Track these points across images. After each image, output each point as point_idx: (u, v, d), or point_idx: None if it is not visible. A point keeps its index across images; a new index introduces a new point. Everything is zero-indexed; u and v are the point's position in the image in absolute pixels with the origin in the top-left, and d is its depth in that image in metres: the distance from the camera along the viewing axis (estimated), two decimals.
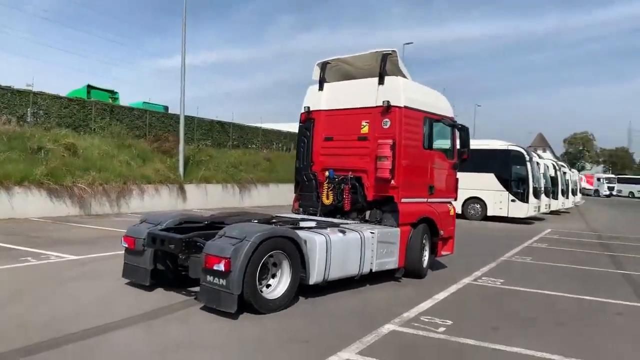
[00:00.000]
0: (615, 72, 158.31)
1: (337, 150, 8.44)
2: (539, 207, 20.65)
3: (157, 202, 17.74)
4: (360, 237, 6.95)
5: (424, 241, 8.20)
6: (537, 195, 20.17)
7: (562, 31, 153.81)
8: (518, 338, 5.29)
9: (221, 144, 24.14)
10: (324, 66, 8.79)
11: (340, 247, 6.58)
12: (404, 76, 8.22)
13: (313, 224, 7.28)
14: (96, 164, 16.27)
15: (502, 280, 8.28)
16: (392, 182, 7.72)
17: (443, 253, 8.86)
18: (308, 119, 8.86)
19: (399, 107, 7.74)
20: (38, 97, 17.53)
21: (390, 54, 8.06)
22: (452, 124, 8.78)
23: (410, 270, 7.95)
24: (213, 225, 6.87)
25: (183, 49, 19.38)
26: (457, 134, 8.86)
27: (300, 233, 6.27)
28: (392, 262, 7.58)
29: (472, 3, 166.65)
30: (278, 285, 5.99)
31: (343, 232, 6.83)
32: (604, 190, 58.91)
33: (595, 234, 17.20)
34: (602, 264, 10.57)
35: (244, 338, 4.99)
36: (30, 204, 13.98)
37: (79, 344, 4.59)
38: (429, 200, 8.44)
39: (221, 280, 5.46)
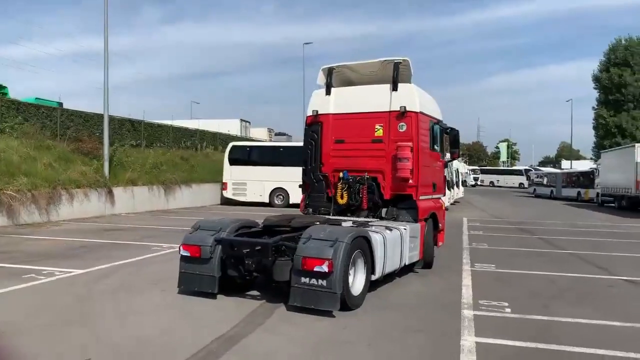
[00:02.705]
0: (467, 73, 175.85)
1: (350, 152, 8.86)
2: (450, 198, 22.84)
3: (87, 208, 16.55)
4: (400, 234, 7.53)
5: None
6: (450, 187, 22.28)
7: (422, 33, 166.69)
8: (570, 311, 6.25)
9: (133, 143, 22.82)
10: (330, 72, 9.15)
11: (390, 243, 7.11)
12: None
13: (350, 223, 7.69)
14: (20, 168, 14.73)
15: (493, 266, 9.38)
16: (411, 181, 8.38)
17: (439, 244, 9.74)
18: (315, 122, 9.15)
19: (415, 112, 8.41)
20: None
21: (401, 62, 8.68)
22: (445, 127, 9.68)
23: (426, 261, 8.71)
24: (270, 229, 6.98)
25: (106, 38, 18.16)
26: (447, 135, 9.79)
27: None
28: (416, 255, 8.26)
29: (339, 4, 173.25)
30: (354, 283, 6.34)
31: (390, 229, 7.35)
32: (471, 181, 65.59)
33: (504, 220, 19.56)
34: (544, 246, 12.33)
35: (363, 332, 5.33)
36: None
37: (233, 353, 4.60)
38: (432, 196, 9.27)
39: (321, 281, 5.71)
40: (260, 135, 41.95)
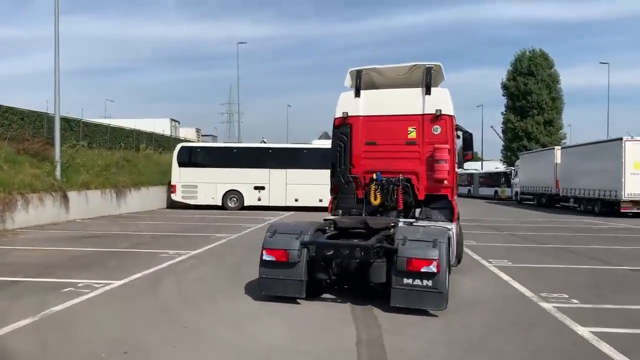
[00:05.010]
0: None
1: (382, 154, 8.94)
2: None
3: (42, 214, 15.15)
4: (452, 232, 7.80)
5: None
6: None
7: (326, 38, 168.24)
8: (626, 299, 6.85)
9: (83, 144, 21.17)
10: (359, 74, 9.19)
11: (452, 241, 7.36)
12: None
13: (401, 224, 7.82)
14: None
15: (507, 261, 9.92)
16: (446, 182, 8.67)
17: None
18: (344, 124, 9.14)
19: (450, 116, 8.72)
20: None
21: (433, 67, 8.94)
22: (462, 129, 10.10)
23: (458, 258, 9.07)
24: (345, 231, 6.92)
25: (56, 26, 16.69)
26: (462, 138, 10.22)
27: None
28: (453, 252, 8.57)
29: (240, 6, 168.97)
30: None
31: (448, 229, 7.58)
32: None
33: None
34: (524, 242, 13.28)
35: (481, 329, 5.49)
36: None
37: (394, 354, 4.56)
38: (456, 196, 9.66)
39: (426, 281, 5.78)
40: (189, 136, 40.57)
